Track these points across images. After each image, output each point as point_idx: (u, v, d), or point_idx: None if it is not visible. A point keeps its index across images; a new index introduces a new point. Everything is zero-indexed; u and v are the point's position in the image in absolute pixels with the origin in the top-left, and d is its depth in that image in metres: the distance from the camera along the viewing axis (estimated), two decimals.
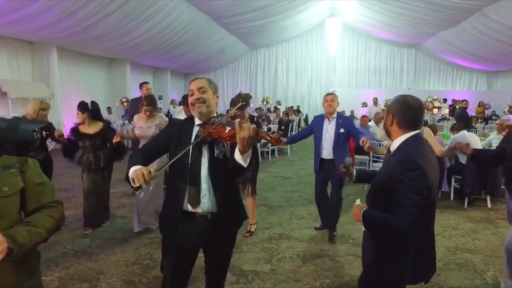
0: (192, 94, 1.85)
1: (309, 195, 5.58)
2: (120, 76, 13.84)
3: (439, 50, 16.61)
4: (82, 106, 4.08)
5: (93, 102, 4.19)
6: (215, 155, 1.75)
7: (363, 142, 3.39)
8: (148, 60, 14.82)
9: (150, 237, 3.97)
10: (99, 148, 4.07)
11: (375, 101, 14.16)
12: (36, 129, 0.93)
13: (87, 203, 4.14)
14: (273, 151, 9.48)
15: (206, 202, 1.80)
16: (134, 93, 14.33)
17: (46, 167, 3.98)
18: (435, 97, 13.17)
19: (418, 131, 1.71)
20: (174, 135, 1.89)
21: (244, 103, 3.81)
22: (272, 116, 13.52)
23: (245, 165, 1.59)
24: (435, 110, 11.21)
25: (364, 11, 14.62)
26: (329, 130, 3.84)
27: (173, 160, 1.69)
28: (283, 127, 10.78)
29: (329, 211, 4.02)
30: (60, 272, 3.18)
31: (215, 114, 1.92)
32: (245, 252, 3.61)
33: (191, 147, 1.74)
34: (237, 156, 1.59)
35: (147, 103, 4.03)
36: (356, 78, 19.88)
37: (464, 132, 5.54)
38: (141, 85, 5.45)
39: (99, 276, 3.12)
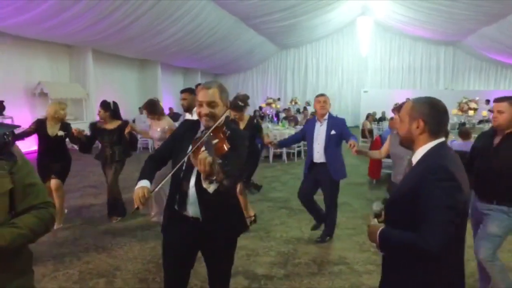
0: (201, 105, 1.79)
1: None
2: (152, 77, 14.30)
3: (481, 47, 15.61)
4: (105, 105, 4.34)
5: (114, 103, 4.42)
6: None
7: (350, 145, 3.25)
8: (178, 61, 15.17)
9: None
10: (116, 143, 4.34)
11: None
12: (7, 133, 0.93)
13: (110, 193, 4.47)
14: (299, 153, 9.32)
15: (193, 208, 1.82)
16: (165, 93, 14.75)
17: (65, 164, 4.14)
18: (477, 98, 12.37)
19: (444, 138, 1.51)
20: (179, 138, 1.93)
21: (243, 104, 3.78)
22: (299, 117, 13.36)
23: (209, 190, 1.57)
24: (471, 112, 10.48)
25: (397, 8, 14.05)
26: (320, 132, 3.70)
27: (167, 177, 1.75)
28: None
29: (316, 209, 4.02)
30: (81, 266, 3.29)
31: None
32: (261, 256, 3.55)
33: (186, 158, 1.75)
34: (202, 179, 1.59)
35: (143, 107, 4.21)
36: (389, 78, 19.20)
37: None
38: (196, 87, 5.51)
39: (116, 272, 3.19)
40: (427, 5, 12.04)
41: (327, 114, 3.71)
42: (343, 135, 3.64)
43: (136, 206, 1.67)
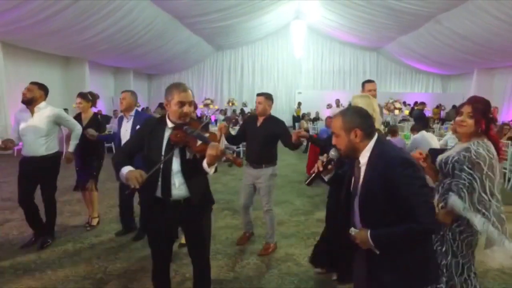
0: (184, 105, 2.00)
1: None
2: (78, 76, 13.04)
3: (399, 54, 17.34)
4: None
5: None
6: (187, 157, 2.00)
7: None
8: (108, 60, 14.16)
9: (105, 247, 3.68)
10: None
11: (337, 103, 14.49)
12: None
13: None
14: (238, 154, 9.32)
15: (179, 192, 2.04)
16: None
17: None
18: (396, 99, 13.73)
19: (376, 135, 1.66)
20: (147, 136, 2.08)
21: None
22: (240, 119, 13.40)
23: (210, 173, 1.94)
24: (396, 111, 11.65)
25: (328, 14, 14.91)
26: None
27: (158, 165, 1.94)
28: None
29: None
30: None
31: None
32: None
33: (163, 151, 2.00)
34: (205, 165, 1.90)
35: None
36: (321, 79, 20.30)
37: (423, 132, 5.70)
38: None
39: None
40: (354, 12, 12.97)
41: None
42: None
43: (133, 186, 1.82)
